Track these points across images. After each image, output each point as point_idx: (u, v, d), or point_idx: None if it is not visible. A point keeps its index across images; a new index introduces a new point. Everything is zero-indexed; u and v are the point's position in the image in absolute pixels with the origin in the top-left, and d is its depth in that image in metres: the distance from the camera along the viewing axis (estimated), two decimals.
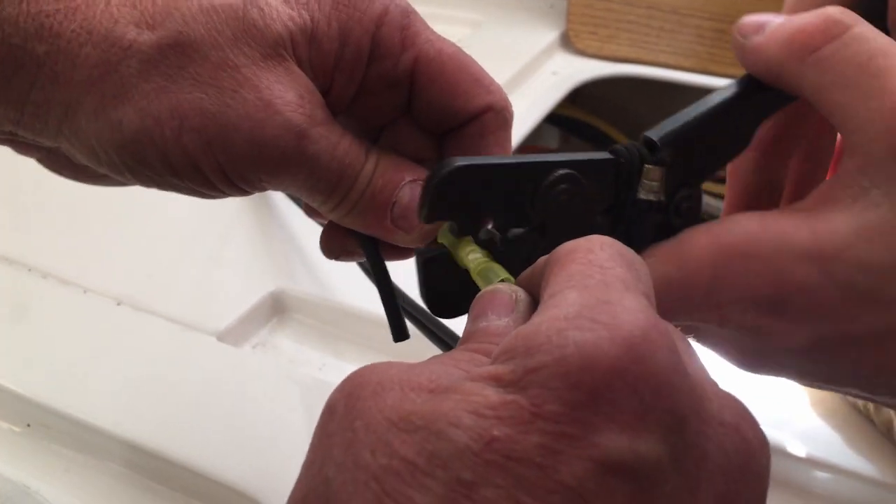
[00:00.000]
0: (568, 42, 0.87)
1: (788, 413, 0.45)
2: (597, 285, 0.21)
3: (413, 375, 0.20)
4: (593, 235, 0.23)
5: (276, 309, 0.52)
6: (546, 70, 0.84)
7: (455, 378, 0.20)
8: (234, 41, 0.28)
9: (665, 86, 0.85)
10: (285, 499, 0.44)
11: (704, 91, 0.83)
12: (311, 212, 0.33)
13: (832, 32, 0.26)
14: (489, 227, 0.29)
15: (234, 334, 0.48)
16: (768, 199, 0.34)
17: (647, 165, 0.28)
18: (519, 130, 0.71)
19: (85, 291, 0.51)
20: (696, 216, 0.29)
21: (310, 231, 0.55)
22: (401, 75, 0.30)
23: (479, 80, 0.30)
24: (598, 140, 1.01)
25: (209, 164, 0.28)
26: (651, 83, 0.84)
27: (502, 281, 0.26)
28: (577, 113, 0.99)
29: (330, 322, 0.51)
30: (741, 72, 0.31)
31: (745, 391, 0.24)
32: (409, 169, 0.30)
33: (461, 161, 0.27)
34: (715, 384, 0.21)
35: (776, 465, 0.40)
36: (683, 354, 0.20)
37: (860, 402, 0.43)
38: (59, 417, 0.42)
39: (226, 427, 0.42)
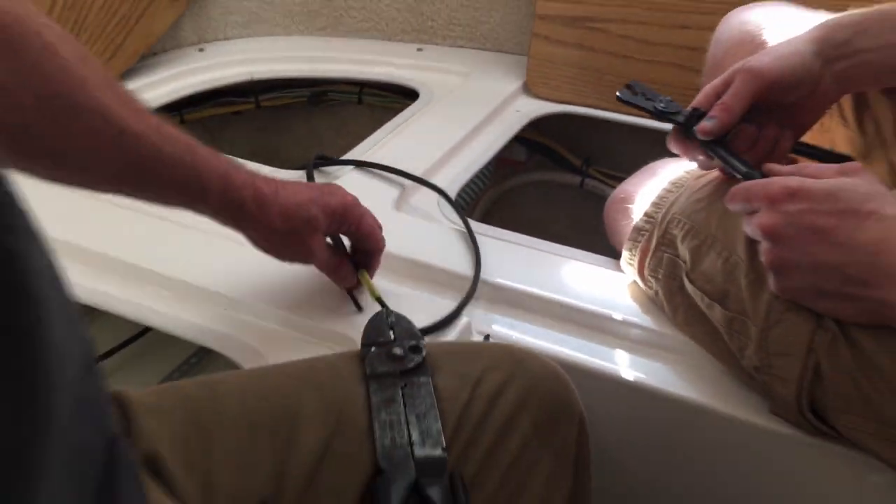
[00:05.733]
0: (528, 89, 1.12)
1: None
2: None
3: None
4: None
5: None
6: (512, 108, 1.08)
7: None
8: (307, 226, 0.60)
9: (594, 120, 1.08)
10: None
11: (621, 125, 1.19)
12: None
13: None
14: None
15: None
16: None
17: None
18: (494, 147, 0.93)
19: None
20: None
21: None
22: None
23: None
24: (552, 156, 1.25)
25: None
26: (585, 118, 1.08)
27: None
28: (538, 136, 1.23)
29: None
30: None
31: None
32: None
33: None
34: None
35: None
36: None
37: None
38: None
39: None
